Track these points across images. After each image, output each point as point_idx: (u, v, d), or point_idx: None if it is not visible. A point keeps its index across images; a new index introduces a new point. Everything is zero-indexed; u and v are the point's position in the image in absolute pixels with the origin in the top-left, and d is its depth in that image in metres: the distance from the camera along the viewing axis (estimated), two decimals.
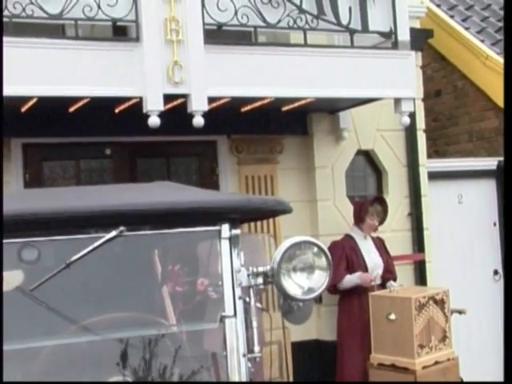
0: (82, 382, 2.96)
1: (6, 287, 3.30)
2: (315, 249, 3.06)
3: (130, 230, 2.92)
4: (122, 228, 2.87)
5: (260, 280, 3.06)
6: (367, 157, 8.09)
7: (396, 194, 8.05)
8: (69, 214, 2.78)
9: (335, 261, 6.41)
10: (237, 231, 3.11)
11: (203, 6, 5.99)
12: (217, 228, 3.09)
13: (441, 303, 6.59)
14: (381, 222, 7.30)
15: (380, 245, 7.38)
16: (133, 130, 6.56)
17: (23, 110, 6.21)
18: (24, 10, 5.52)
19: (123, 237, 2.93)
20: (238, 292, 3.07)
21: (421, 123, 8.16)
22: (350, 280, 6.91)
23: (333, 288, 6.78)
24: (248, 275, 3.07)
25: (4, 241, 2.82)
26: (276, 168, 7.66)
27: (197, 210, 2.98)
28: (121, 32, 6.28)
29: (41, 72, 5.59)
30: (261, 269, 3.05)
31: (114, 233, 2.86)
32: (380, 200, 7.37)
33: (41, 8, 5.57)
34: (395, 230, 7.90)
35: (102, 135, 6.87)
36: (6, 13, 5.48)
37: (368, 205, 7.19)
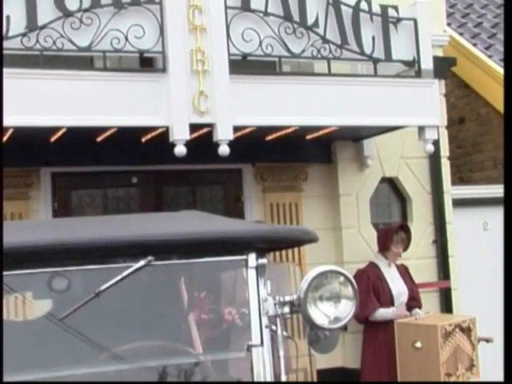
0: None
1: (35, 314, 3.34)
2: (341, 278, 3.05)
3: (158, 260, 2.93)
4: (150, 258, 2.89)
5: (286, 309, 3.06)
6: (391, 184, 8.08)
7: (421, 221, 8.02)
8: (98, 244, 2.81)
9: (363, 291, 6.39)
10: (263, 261, 3.11)
11: (228, 36, 6.07)
12: (244, 257, 3.09)
13: (467, 331, 6.52)
14: (404, 249, 7.27)
15: (404, 272, 7.33)
16: (159, 158, 6.62)
17: (52, 139, 6.29)
18: (54, 43, 5.63)
19: (151, 266, 2.94)
20: (265, 321, 3.06)
21: (445, 150, 8.15)
22: (384, 314, 6.85)
23: (364, 319, 6.76)
24: (275, 304, 3.07)
25: (34, 270, 2.85)
26: (300, 196, 7.68)
27: (224, 240, 3.00)
28: (148, 63, 6.36)
29: (70, 103, 5.68)
30: (287, 298, 3.04)
31: (142, 262, 2.88)
32: (404, 228, 7.34)
33: (70, 41, 5.67)
34: (420, 258, 7.86)
35: (128, 164, 6.94)
36: (37, 46, 5.59)
37: (393, 233, 7.16)
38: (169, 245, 2.93)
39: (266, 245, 3.18)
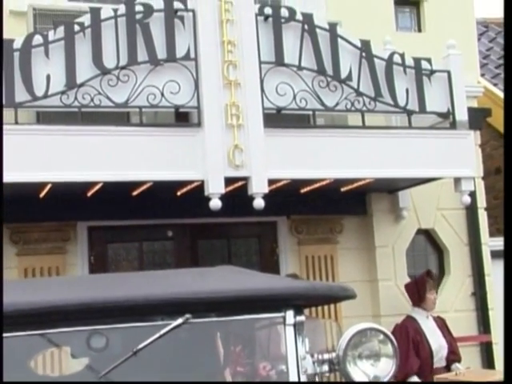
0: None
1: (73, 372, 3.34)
2: (381, 336, 3.01)
3: (195, 317, 2.93)
4: (187, 316, 2.89)
5: (325, 367, 3.01)
6: (428, 236, 8.01)
7: (458, 273, 7.91)
8: (136, 302, 2.81)
9: (403, 348, 6.27)
10: (301, 318, 3.08)
11: (262, 91, 6.13)
12: (281, 314, 3.07)
13: None
14: None
15: (442, 325, 7.20)
16: (194, 212, 6.65)
17: (89, 194, 6.36)
18: (92, 100, 5.74)
19: (188, 324, 2.94)
20: (304, 379, 3.02)
21: (482, 201, 8.07)
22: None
23: (404, 377, 6.64)
24: (313, 362, 3.03)
25: (73, 329, 2.86)
26: (336, 248, 7.64)
27: (262, 298, 2.98)
28: (183, 118, 6.43)
29: (106, 158, 5.76)
30: (326, 356, 3.00)
31: (180, 320, 2.88)
32: (430, 274, 7.28)
33: (108, 97, 5.77)
34: (459, 310, 7.73)
35: (164, 217, 6.98)
36: (75, 103, 5.70)
37: (423, 281, 7.10)
38: (206, 303, 2.92)
39: (304, 302, 3.15)
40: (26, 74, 5.63)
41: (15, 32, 6.21)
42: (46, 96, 5.66)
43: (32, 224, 6.70)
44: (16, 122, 5.63)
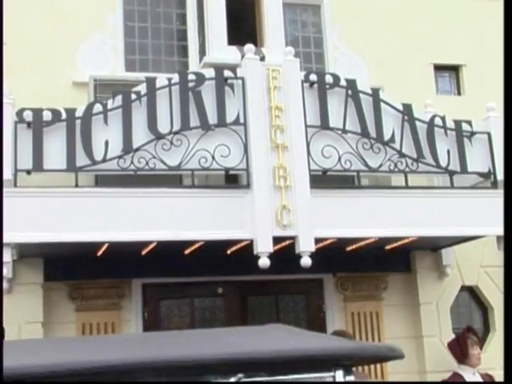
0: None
1: None
2: None
3: (247, 377, 2.87)
4: (240, 375, 2.83)
5: None
6: (472, 293, 7.83)
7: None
8: (190, 362, 2.76)
9: None
10: (351, 377, 3.00)
11: (309, 153, 6.13)
12: (331, 374, 2.99)
13: None
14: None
15: (489, 381, 6.97)
16: (243, 269, 6.60)
17: (143, 252, 6.38)
18: (147, 163, 5.80)
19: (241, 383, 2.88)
20: None
21: None
22: None
23: None
24: None
25: None
26: (381, 304, 7.51)
27: (313, 358, 2.91)
28: (233, 179, 6.45)
29: (160, 218, 5.78)
30: None
31: (232, 379, 2.82)
32: (470, 330, 7.09)
33: (162, 161, 5.83)
34: None
35: (214, 275, 6.96)
36: (131, 167, 5.76)
37: (464, 338, 6.94)
38: (258, 363, 2.86)
39: (353, 361, 3.07)
40: (87, 140, 5.74)
41: (77, 101, 6.37)
42: (104, 160, 5.74)
43: (90, 281, 6.74)
44: (76, 185, 5.71)
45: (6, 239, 5.46)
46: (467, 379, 6.83)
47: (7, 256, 5.57)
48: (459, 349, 6.95)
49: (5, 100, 5.75)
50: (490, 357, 7.34)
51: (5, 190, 5.51)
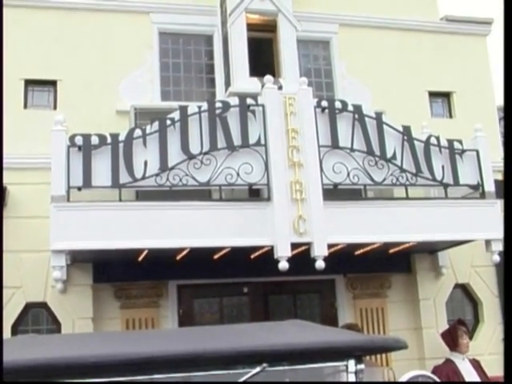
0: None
1: None
2: (431, 381, 2.85)
3: (271, 366, 2.83)
4: (264, 365, 2.79)
5: None
6: (464, 289, 7.76)
7: (491, 321, 7.62)
8: (222, 353, 2.74)
9: None
10: (361, 366, 2.97)
11: (321, 170, 6.09)
12: (344, 363, 2.96)
13: None
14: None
15: (477, 366, 6.93)
16: (265, 272, 6.54)
17: (178, 257, 6.36)
18: (181, 180, 5.79)
19: (265, 372, 2.84)
20: None
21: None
22: None
23: None
24: None
25: (165, 376, 2.78)
26: (386, 301, 7.44)
27: (328, 349, 2.88)
28: (255, 193, 6.42)
29: (192, 228, 5.76)
30: None
31: (258, 369, 2.78)
32: (460, 322, 7.05)
33: (193, 178, 5.81)
34: (492, 353, 7.39)
35: (240, 277, 6.92)
36: (167, 183, 5.75)
37: (455, 329, 6.92)
38: (281, 354, 2.83)
39: (363, 352, 3.03)
40: (128, 161, 5.74)
41: (120, 127, 6.39)
42: (143, 178, 5.74)
43: (132, 283, 6.73)
44: (120, 200, 5.71)
45: (60, 246, 5.50)
46: (458, 364, 6.80)
47: (62, 261, 5.58)
48: (451, 338, 6.94)
49: (59, 127, 5.79)
50: (479, 344, 7.35)
51: (59, 204, 5.54)
